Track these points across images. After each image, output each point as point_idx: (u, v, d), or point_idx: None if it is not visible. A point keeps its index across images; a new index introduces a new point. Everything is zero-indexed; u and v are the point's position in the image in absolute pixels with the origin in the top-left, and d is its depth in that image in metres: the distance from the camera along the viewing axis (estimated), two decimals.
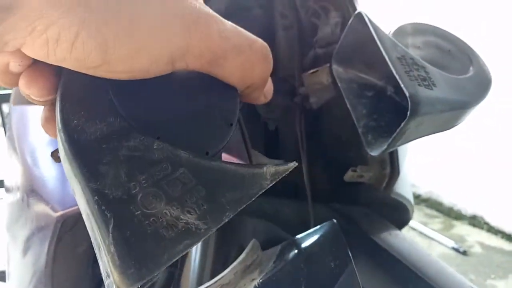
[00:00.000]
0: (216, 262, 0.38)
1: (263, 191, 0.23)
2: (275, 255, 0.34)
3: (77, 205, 0.40)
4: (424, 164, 3.06)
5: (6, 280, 0.73)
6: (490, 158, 2.62)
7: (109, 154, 0.20)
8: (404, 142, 0.36)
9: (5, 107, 2.22)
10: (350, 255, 0.34)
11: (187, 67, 0.23)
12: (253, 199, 0.22)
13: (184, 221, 0.20)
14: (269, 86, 0.30)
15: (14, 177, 0.57)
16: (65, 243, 0.46)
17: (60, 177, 0.45)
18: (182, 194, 0.20)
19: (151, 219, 0.19)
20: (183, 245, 0.19)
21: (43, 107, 0.26)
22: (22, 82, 0.23)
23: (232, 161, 0.23)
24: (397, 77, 0.32)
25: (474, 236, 2.63)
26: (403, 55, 0.34)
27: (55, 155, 0.27)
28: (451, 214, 2.89)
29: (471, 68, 0.40)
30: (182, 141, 0.23)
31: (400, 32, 0.40)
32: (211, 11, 0.24)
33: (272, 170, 0.23)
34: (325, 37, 0.49)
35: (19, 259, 0.62)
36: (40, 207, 0.47)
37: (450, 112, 0.34)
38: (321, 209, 0.46)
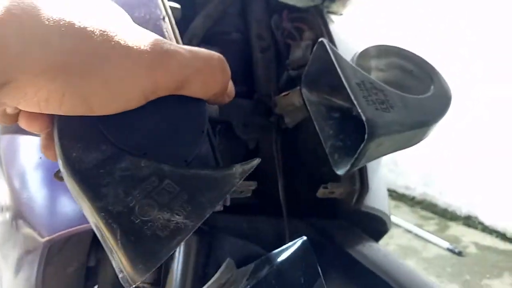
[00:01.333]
0: (196, 281, 0.40)
1: (234, 187, 0.27)
2: (249, 273, 0.36)
3: (63, 229, 0.42)
4: (418, 166, 3.09)
5: None
6: (483, 158, 2.64)
7: (106, 177, 0.25)
8: (368, 161, 0.38)
9: None
10: (319, 270, 0.36)
11: (158, 96, 0.27)
12: (227, 195, 0.27)
13: (175, 221, 0.24)
14: (230, 87, 0.34)
15: (3, 199, 0.59)
16: (53, 266, 0.48)
17: (47, 202, 0.47)
18: (170, 201, 0.25)
19: (149, 224, 0.24)
20: (177, 240, 0.24)
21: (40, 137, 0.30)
22: (22, 122, 0.27)
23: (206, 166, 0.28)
24: (355, 102, 0.34)
25: (469, 237, 2.65)
26: (363, 80, 0.36)
27: (57, 176, 0.31)
28: (446, 215, 2.91)
29: (432, 87, 0.42)
30: (164, 153, 0.27)
31: (364, 55, 0.43)
32: (170, 46, 0.27)
33: (240, 170, 0.28)
34: (296, 60, 0.52)
35: (11, 278, 0.64)
36: (27, 231, 0.49)
37: (409, 132, 0.37)
38: (298, 224, 0.48)
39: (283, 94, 0.46)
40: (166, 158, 0.27)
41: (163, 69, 0.26)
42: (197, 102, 0.30)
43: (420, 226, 2.75)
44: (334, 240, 0.49)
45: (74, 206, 0.44)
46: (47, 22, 0.22)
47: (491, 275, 2.24)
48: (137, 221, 0.24)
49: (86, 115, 0.25)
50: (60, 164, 0.26)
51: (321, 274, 0.36)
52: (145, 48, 0.26)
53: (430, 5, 2.76)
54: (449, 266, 2.33)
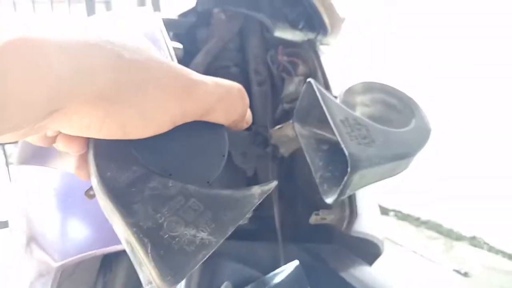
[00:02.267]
0: None
1: (254, 207, 0.30)
2: None
3: (75, 255, 0.45)
4: (423, 186, 3.09)
5: None
6: (488, 178, 2.65)
7: (137, 195, 0.27)
8: (353, 190, 0.41)
9: (8, 148, 2.29)
10: None
11: (184, 122, 0.30)
12: (247, 215, 0.30)
13: (200, 237, 0.27)
14: (248, 114, 0.38)
15: (17, 222, 0.63)
16: None
17: (59, 230, 0.50)
18: (195, 218, 0.28)
19: (176, 239, 0.26)
20: (202, 255, 0.26)
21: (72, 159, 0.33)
22: (60, 144, 0.30)
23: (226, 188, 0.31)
24: (339, 138, 0.37)
25: (475, 257, 2.64)
26: (347, 117, 0.40)
27: (88, 194, 0.34)
28: (451, 235, 2.90)
29: (413, 120, 0.46)
30: (188, 175, 0.30)
31: (350, 91, 0.47)
32: (196, 76, 0.31)
33: (259, 191, 0.31)
34: (289, 94, 0.56)
35: None
36: (41, 255, 0.52)
37: (390, 163, 0.40)
38: (293, 249, 0.51)
39: (277, 127, 0.50)
40: (189, 179, 0.29)
41: (191, 98, 0.30)
42: (219, 128, 0.34)
43: (425, 247, 2.74)
44: (328, 264, 0.51)
45: (85, 233, 0.48)
46: (94, 53, 0.25)
47: None
48: (165, 236, 0.26)
49: (121, 139, 0.28)
50: (95, 182, 0.28)
51: None
52: (175, 79, 0.29)
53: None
54: (455, 287, 2.31)
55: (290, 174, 0.59)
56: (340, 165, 0.44)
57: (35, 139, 0.31)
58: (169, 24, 0.62)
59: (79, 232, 0.48)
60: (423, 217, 3.12)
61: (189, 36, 0.67)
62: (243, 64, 0.66)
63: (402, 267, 2.49)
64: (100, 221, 0.47)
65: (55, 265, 0.48)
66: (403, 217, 3.23)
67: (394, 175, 0.44)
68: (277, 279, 0.40)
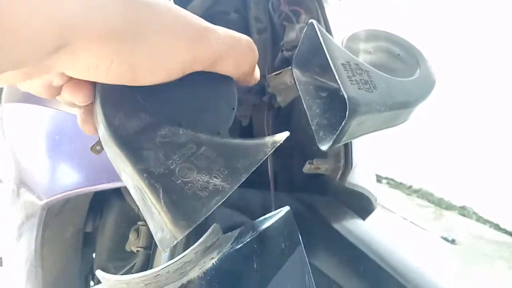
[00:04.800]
0: (186, 244, 0.43)
1: (266, 156, 0.29)
2: (234, 237, 0.39)
3: (61, 192, 0.44)
4: (416, 155, 3.11)
5: (3, 265, 0.78)
6: (480, 150, 2.66)
7: (147, 142, 0.27)
8: (350, 138, 0.40)
9: None
10: (300, 238, 0.38)
11: (194, 70, 0.29)
12: (260, 163, 0.29)
13: (213, 183, 0.26)
14: (257, 70, 0.37)
15: (6, 169, 0.62)
16: (51, 229, 0.50)
17: (46, 170, 0.49)
18: (208, 164, 0.27)
19: (189, 184, 0.26)
20: (215, 200, 0.26)
21: (77, 110, 0.32)
22: (66, 93, 0.29)
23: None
24: (338, 81, 0.36)
25: (463, 226, 2.69)
26: (348, 61, 0.38)
27: (94, 149, 0.33)
28: (442, 204, 2.94)
29: (417, 71, 0.44)
30: (197, 126, 0.29)
31: (354, 38, 0.44)
32: (207, 24, 0.30)
33: (271, 140, 0.30)
34: (290, 41, 0.53)
35: (13, 245, 0.67)
36: (28, 197, 0.52)
37: (390, 112, 0.39)
38: (285, 198, 0.51)
39: (275, 73, 0.48)
40: (199, 130, 0.29)
41: (202, 44, 0.29)
42: (228, 80, 0.33)
43: (415, 214, 2.79)
44: (321, 214, 0.51)
45: (72, 171, 0.47)
46: None
47: (483, 263, 2.29)
48: (178, 182, 0.26)
49: (128, 84, 0.27)
50: (102, 131, 0.28)
51: (301, 241, 0.38)
52: (187, 22, 0.28)
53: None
54: (442, 254, 2.37)
55: (286, 124, 0.58)
56: (338, 113, 0.42)
57: (39, 91, 0.29)
58: None
59: (65, 171, 0.47)
60: (415, 186, 3.15)
61: None
62: (243, 10, 0.63)
63: (391, 233, 2.54)
64: (87, 160, 0.46)
65: (40, 203, 0.47)
66: (395, 185, 3.27)
67: (393, 125, 0.43)
68: (267, 223, 0.39)
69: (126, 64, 0.26)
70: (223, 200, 0.26)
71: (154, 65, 0.27)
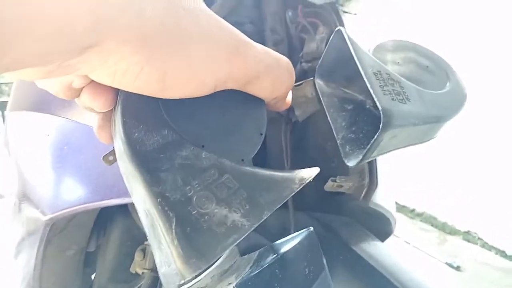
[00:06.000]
0: None
1: (293, 193, 0.26)
2: (253, 260, 0.36)
3: (66, 208, 0.41)
4: (420, 178, 3.08)
5: None
6: (486, 175, 2.64)
7: (166, 162, 0.24)
8: (380, 154, 0.37)
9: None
10: (325, 262, 0.35)
11: (226, 88, 0.27)
12: (285, 200, 0.26)
13: (232, 219, 0.24)
14: (289, 95, 0.35)
15: (8, 183, 0.59)
16: (54, 246, 0.47)
17: (51, 184, 0.46)
18: (229, 196, 0.24)
19: (206, 217, 0.23)
20: (232, 239, 0.23)
21: (94, 116, 0.29)
22: (85, 96, 0.26)
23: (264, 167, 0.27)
24: (371, 91, 0.33)
25: (468, 252, 2.64)
26: (379, 71, 0.36)
27: (106, 159, 0.31)
28: (445, 228, 2.90)
29: (448, 84, 0.42)
30: (221, 149, 0.27)
31: (381, 48, 0.42)
32: (246, 38, 0.27)
33: (300, 176, 0.27)
34: (310, 52, 0.51)
35: (9, 263, 0.63)
36: (31, 212, 0.49)
37: (424, 126, 0.36)
38: (303, 218, 0.48)
39: (295, 84, 0.46)
40: (222, 154, 0.26)
41: (240, 59, 0.26)
42: (258, 103, 0.30)
43: (419, 238, 2.74)
44: (339, 235, 0.48)
45: (78, 186, 0.44)
46: None
47: None
48: (193, 212, 0.23)
49: (155, 95, 0.24)
50: (119, 143, 0.25)
51: (326, 266, 0.35)
52: (227, 33, 0.25)
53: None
54: (447, 280, 2.31)
55: (302, 140, 0.55)
56: (365, 126, 0.40)
57: (58, 90, 0.26)
58: None
59: (72, 184, 0.44)
60: (418, 209, 3.11)
61: None
62: (259, 22, 0.61)
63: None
64: (96, 173, 0.43)
65: (44, 218, 0.44)
66: (398, 208, 3.22)
67: (424, 141, 0.40)
68: (289, 246, 0.36)
69: (158, 73, 0.23)
70: (241, 239, 0.23)
71: (188, 76, 0.24)
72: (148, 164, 0.24)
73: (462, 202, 2.80)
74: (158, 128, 0.25)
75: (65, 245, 0.49)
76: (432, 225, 2.98)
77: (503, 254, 2.58)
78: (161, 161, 0.24)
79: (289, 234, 0.41)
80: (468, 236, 2.77)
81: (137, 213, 0.53)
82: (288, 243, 0.37)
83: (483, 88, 2.57)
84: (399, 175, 3.20)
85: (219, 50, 0.25)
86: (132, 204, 0.45)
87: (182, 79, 0.24)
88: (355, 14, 0.72)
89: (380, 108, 0.32)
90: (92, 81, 0.25)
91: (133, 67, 0.22)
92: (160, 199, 0.23)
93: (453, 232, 2.86)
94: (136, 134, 0.25)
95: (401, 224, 2.99)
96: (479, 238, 2.72)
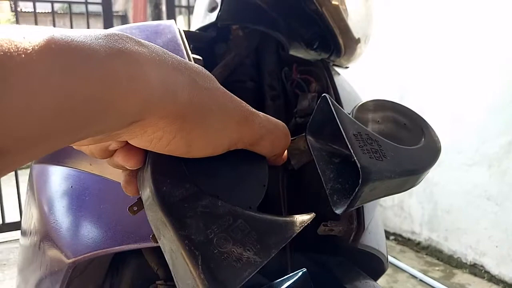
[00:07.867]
0: None
1: (294, 235, 0.32)
2: None
3: (88, 252, 0.47)
4: (424, 211, 3.08)
5: None
6: (491, 205, 2.64)
7: (190, 210, 0.30)
8: (363, 203, 0.43)
9: None
10: None
11: (236, 148, 0.34)
12: (288, 240, 0.32)
13: (246, 256, 0.29)
14: (286, 153, 0.42)
15: (32, 223, 0.64)
16: (74, 287, 0.52)
17: (73, 229, 0.52)
18: (243, 238, 0.30)
19: (225, 255, 0.28)
20: (248, 272, 0.28)
21: (121, 174, 0.35)
22: (119, 158, 0.32)
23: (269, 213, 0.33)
24: (351, 151, 0.39)
25: (475, 286, 2.61)
26: (359, 132, 0.42)
27: (131, 209, 0.36)
28: (452, 262, 2.88)
29: (422, 139, 0.47)
30: (232, 198, 0.33)
31: (362, 108, 0.48)
32: (252, 109, 0.35)
33: (300, 219, 0.33)
34: (303, 109, 0.58)
35: None
36: (53, 253, 0.54)
37: (399, 178, 0.42)
38: (300, 258, 0.52)
39: (291, 139, 0.52)
40: (234, 202, 0.32)
41: (248, 126, 0.33)
42: (261, 159, 0.37)
43: (425, 272, 2.72)
44: (334, 274, 0.52)
45: (98, 231, 0.49)
46: (177, 74, 0.28)
47: None
48: (215, 251, 0.28)
49: (181, 156, 0.31)
50: (149, 196, 0.31)
51: None
52: (237, 107, 0.33)
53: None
54: None
55: (298, 186, 0.61)
56: (350, 178, 0.45)
57: (94, 151, 0.33)
58: (189, 36, 0.64)
59: (93, 230, 0.50)
60: (424, 243, 3.10)
61: (207, 49, 0.70)
62: (258, 79, 0.68)
63: None
64: (115, 221, 0.48)
65: (68, 261, 0.49)
66: (403, 241, 3.22)
67: (403, 190, 0.45)
68: (284, 285, 0.41)
69: (185, 139, 0.30)
70: (255, 272, 0.28)
71: (209, 141, 0.31)
72: (175, 212, 0.29)
73: (468, 235, 2.79)
74: (182, 182, 0.31)
75: (83, 286, 0.54)
76: (438, 259, 2.96)
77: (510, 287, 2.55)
78: (186, 210, 0.29)
79: (286, 274, 0.46)
80: (475, 270, 2.75)
81: (149, 255, 0.58)
82: (284, 283, 0.42)
83: (483, 88, 2.61)
84: (404, 207, 3.21)
85: (232, 119, 0.32)
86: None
87: (202, 145, 0.31)
88: (347, 68, 0.79)
89: (359, 166, 0.38)
90: (126, 143, 0.32)
91: (167, 135, 0.29)
92: (187, 241, 0.28)
93: (459, 265, 2.84)
94: (164, 188, 0.30)
95: (406, 257, 2.98)
96: (486, 272, 2.69)
